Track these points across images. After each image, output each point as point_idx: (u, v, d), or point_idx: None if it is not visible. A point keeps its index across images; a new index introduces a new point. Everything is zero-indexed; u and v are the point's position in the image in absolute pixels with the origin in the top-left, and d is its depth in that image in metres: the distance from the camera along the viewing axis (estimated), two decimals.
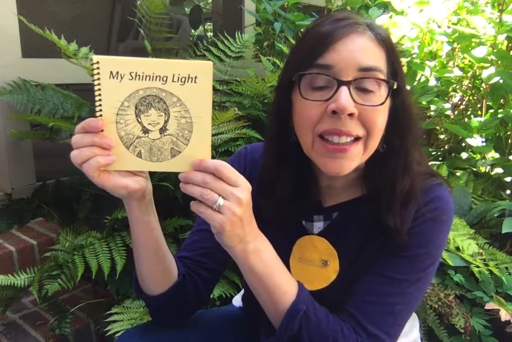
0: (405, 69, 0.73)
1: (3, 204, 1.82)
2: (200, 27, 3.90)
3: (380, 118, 0.70)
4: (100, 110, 0.59)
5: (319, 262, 0.82)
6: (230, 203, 0.61)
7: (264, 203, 0.79)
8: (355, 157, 0.71)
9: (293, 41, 1.99)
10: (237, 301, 1.07)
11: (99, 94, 0.58)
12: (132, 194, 0.65)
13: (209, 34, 4.78)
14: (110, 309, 1.31)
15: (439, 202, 0.75)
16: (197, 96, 0.58)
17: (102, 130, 0.60)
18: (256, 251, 0.67)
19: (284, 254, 0.82)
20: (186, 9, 4.47)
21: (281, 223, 0.83)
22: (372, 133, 0.70)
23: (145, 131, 0.61)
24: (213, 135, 1.57)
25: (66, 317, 1.46)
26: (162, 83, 0.58)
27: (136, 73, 0.57)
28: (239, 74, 2.00)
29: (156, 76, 0.57)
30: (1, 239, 1.68)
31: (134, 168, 0.64)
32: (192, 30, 3.92)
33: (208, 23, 4.63)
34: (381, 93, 0.69)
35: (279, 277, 0.70)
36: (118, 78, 0.57)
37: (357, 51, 0.68)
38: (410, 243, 0.74)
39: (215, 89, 1.92)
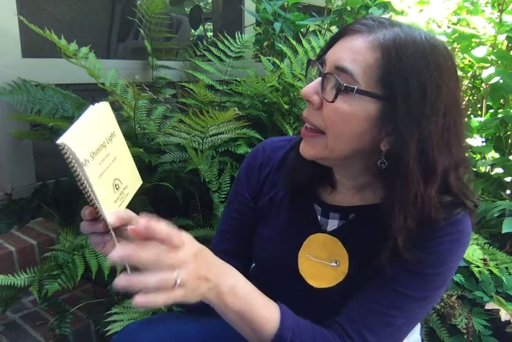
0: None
1: (3, 204, 1.82)
2: (200, 27, 3.90)
3: (339, 119, 0.68)
4: (84, 182, 0.58)
5: (328, 261, 0.81)
6: (185, 272, 0.57)
7: (282, 179, 0.84)
8: (316, 146, 0.72)
9: (293, 41, 1.99)
10: None
11: (76, 170, 0.57)
12: None
13: (209, 34, 4.78)
14: (110, 309, 1.31)
15: (461, 226, 0.74)
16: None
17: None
18: (230, 290, 0.64)
19: (294, 248, 0.84)
20: (186, 9, 4.47)
21: (296, 212, 0.84)
22: (327, 131, 0.70)
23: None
24: (213, 135, 1.57)
25: (66, 317, 1.46)
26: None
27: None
28: (239, 74, 2.00)
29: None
30: (1, 239, 1.68)
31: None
32: (192, 30, 3.92)
33: (208, 23, 4.64)
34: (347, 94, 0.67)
35: (258, 308, 0.68)
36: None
37: (343, 50, 0.69)
38: (425, 261, 0.72)
39: (215, 89, 1.92)
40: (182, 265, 0.57)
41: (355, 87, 0.66)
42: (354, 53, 0.67)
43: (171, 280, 0.56)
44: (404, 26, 0.68)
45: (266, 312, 0.68)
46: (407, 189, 0.67)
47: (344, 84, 0.66)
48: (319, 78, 0.71)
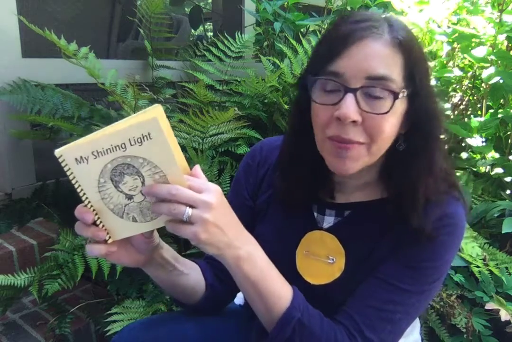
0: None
1: (3, 204, 1.82)
2: (200, 27, 3.90)
3: (387, 125, 0.69)
4: (84, 194, 0.63)
5: (325, 258, 0.82)
6: (198, 210, 0.59)
7: (277, 184, 0.84)
8: (359, 158, 0.71)
9: (293, 41, 1.99)
10: (238, 298, 1.08)
11: (76, 181, 0.61)
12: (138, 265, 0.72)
13: (209, 34, 4.78)
14: (110, 309, 1.31)
15: (455, 218, 0.75)
16: (158, 150, 0.58)
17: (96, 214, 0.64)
18: (249, 256, 0.66)
19: (292, 245, 0.84)
20: (186, 9, 4.48)
21: (292, 212, 0.85)
22: (376, 140, 0.70)
23: (129, 197, 0.62)
24: (213, 135, 1.57)
25: (66, 317, 1.46)
26: (123, 151, 0.58)
27: (97, 151, 0.58)
28: (239, 74, 2.00)
29: (115, 147, 0.58)
30: (1, 239, 1.68)
31: (134, 233, 0.66)
32: (192, 30, 3.92)
33: (208, 23, 4.64)
34: (390, 100, 0.68)
35: (274, 282, 0.70)
36: (84, 161, 0.59)
37: (368, 58, 0.67)
38: (421, 255, 0.73)
39: (215, 89, 1.92)
40: (198, 205, 0.59)
41: (408, 92, 0.69)
42: (384, 58, 0.67)
43: (180, 212, 0.58)
44: (393, 17, 0.72)
45: (280, 288, 0.70)
46: (435, 159, 0.73)
47: (401, 92, 0.68)
48: (350, 96, 0.67)
